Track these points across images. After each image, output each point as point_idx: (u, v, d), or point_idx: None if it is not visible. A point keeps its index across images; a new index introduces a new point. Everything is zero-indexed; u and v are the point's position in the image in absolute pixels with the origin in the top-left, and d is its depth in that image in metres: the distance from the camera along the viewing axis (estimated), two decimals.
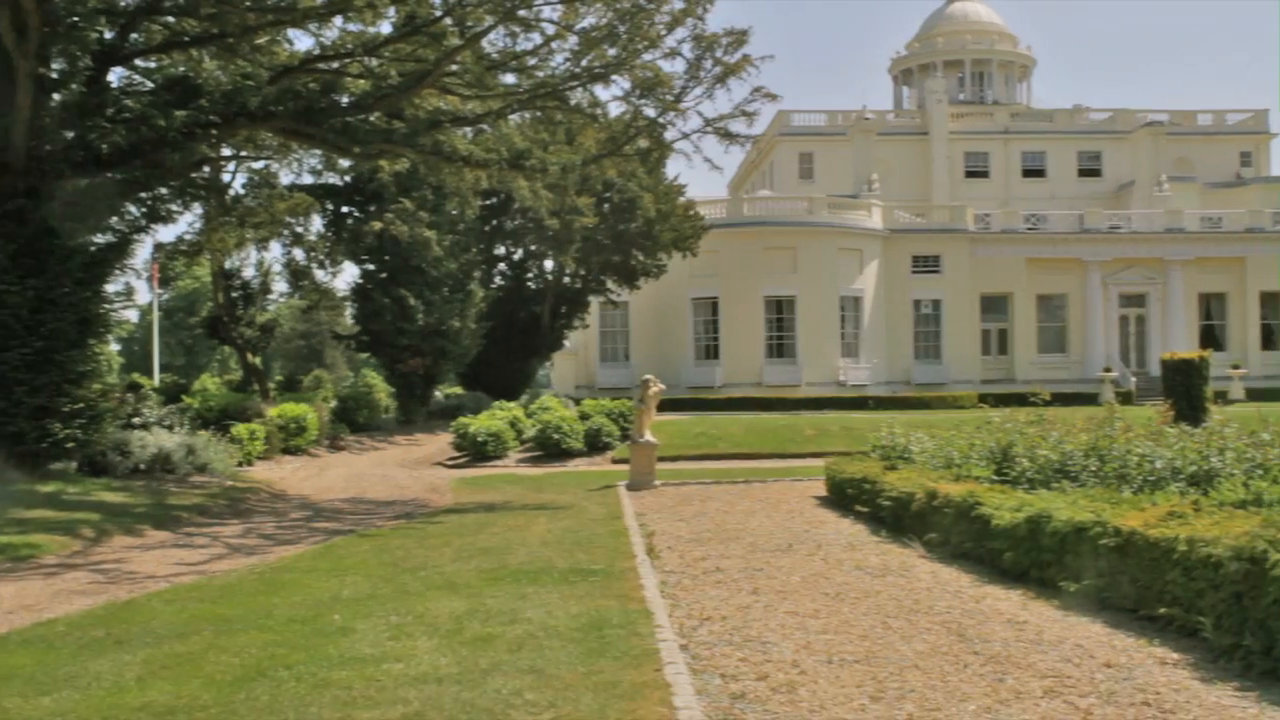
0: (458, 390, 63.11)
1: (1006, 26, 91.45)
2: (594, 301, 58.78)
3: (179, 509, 22.54)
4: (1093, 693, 8.37)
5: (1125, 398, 55.68)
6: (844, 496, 21.04)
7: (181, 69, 27.98)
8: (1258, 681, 8.56)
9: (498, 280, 56.72)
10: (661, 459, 29.50)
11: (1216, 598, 9.25)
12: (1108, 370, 60.52)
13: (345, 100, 26.71)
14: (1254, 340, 67.49)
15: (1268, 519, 9.56)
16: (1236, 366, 60.42)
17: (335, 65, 26.47)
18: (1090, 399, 51.12)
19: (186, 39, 26.16)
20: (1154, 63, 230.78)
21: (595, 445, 36.67)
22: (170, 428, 29.84)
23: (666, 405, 44.83)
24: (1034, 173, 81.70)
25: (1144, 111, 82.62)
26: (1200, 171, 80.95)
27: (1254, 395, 55.70)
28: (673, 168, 60.62)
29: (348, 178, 47.10)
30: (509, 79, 27.21)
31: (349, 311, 57.21)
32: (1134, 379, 62.04)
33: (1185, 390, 33.02)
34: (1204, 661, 9.18)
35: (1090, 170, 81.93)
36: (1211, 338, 66.94)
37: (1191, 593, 9.79)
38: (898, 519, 17.22)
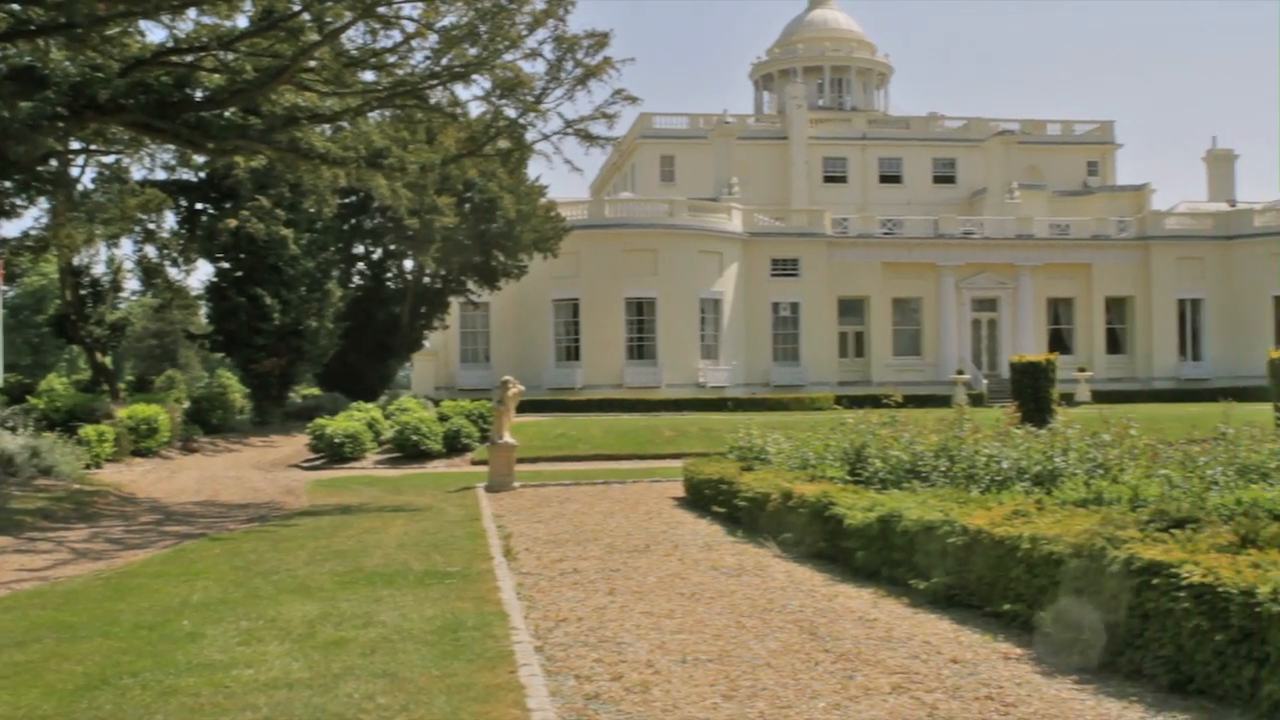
0: (315, 391, 62.24)
1: (865, 35, 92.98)
2: (454, 302, 58.41)
3: (21, 513, 21.83)
4: (939, 688, 8.54)
5: (977, 399, 56.96)
6: (702, 497, 21.19)
7: (27, 58, 27.12)
8: (1096, 675, 8.81)
9: (356, 280, 56.05)
10: (521, 460, 29.41)
11: (1058, 594, 9.51)
12: (960, 372, 61.86)
13: (199, 95, 26.14)
14: (1099, 344, 69.53)
15: (1106, 517, 9.86)
16: (1083, 369, 62.16)
17: (189, 59, 25.89)
18: (944, 400, 52.19)
19: (32, 27, 25.36)
20: (1007, 73, 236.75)
21: (454, 447, 36.42)
22: (14, 429, 28.90)
23: (527, 407, 44.72)
24: (891, 179, 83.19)
25: (996, 120, 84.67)
26: (1050, 179, 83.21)
27: (1099, 397, 57.38)
28: (534, 169, 60.78)
29: (202, 174, 46.18)
30: (368, 76, 26.89)
31: (203, 310, 56.05)
32: (985, 381, 63.51)
33: (1033, 392, 33.85)
34: (1046, 656, 9.42)
35: (945, 177, 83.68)
36: (1059, 341, 68.80)
37: (1034, 589, 10.05)
38: (754, 519, 17.40)
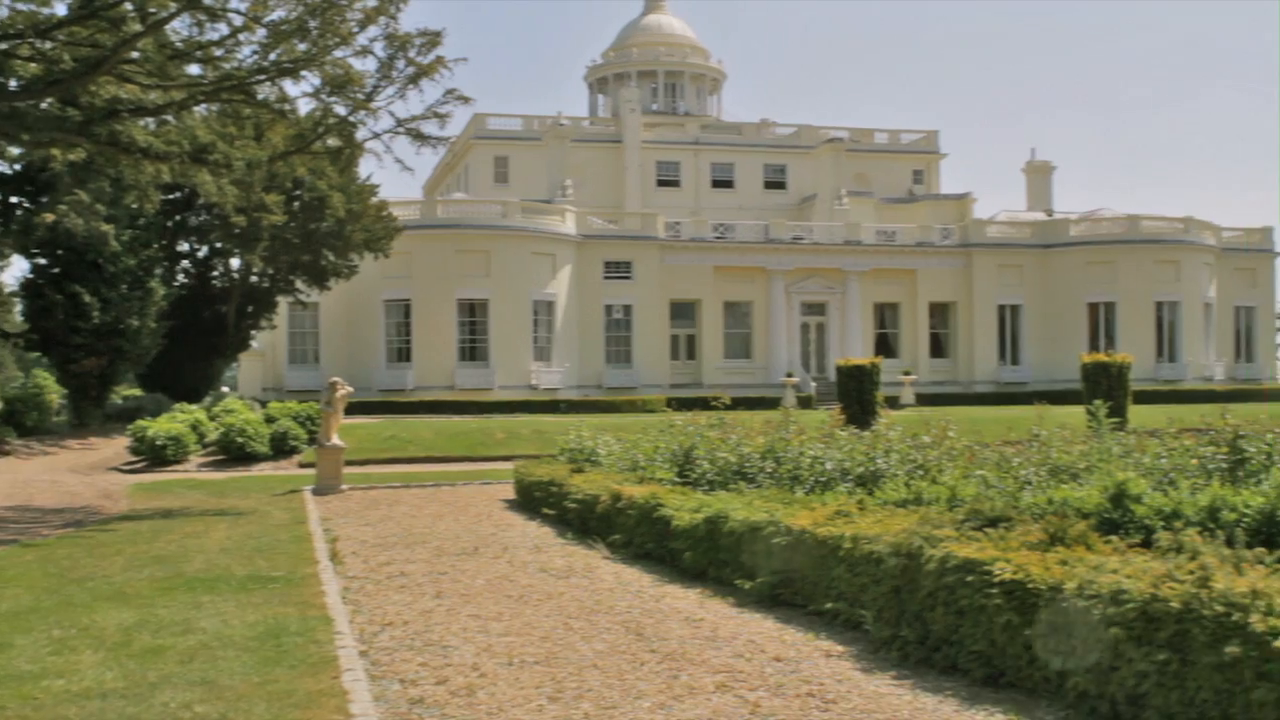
0: (137, 392, 60.47)
1: (699, 40, 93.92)
2: (283, 302, 57.28)
3: None
4: (762, 686, 8.67)
5: (806, 402, 57.90)
6: (532, 499, 21.17)
7: None
8: (913, 670, 9.04)
9: (181, 278, 54.59)
10: (350, 463, 29.04)
11: (878, 592, 9.74)
12: (790, 375, 62.80)
13: (14, 84, 25.21)
14: (924, 348, 71.26)
15: (924, 517, 10.11)
16: (908, 373, 63.62)
17: (3, 46, 24.96)
18: (774, 403, 52.90)
19: None
20: (837, 81, 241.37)
21: (282, 449, 35.78)
22: None
23: (357, 408, 44.15)
24: (723, 183, 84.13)
25: (826, 128, 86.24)
26: (877, 187, 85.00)
27: (924, 400, 58.79)
28: (365, 167, 59.69)
29: (17, 166, 44.50)
30: (193, 69, 26.23)
31: (18, 308, 54.03)
32: (814, 384, 64.60)
33: (858, 395, 34.60)
34: (866, 653, 9.64)
35: (776, 183, 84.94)
36: (886, 345, 70.28)
37: (855, 587, 10.27)
38: (584, 521, 17.44)
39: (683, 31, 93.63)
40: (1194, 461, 12.20)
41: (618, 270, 66.10)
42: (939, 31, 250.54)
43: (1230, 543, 8.13)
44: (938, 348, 72.31)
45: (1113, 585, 7.52)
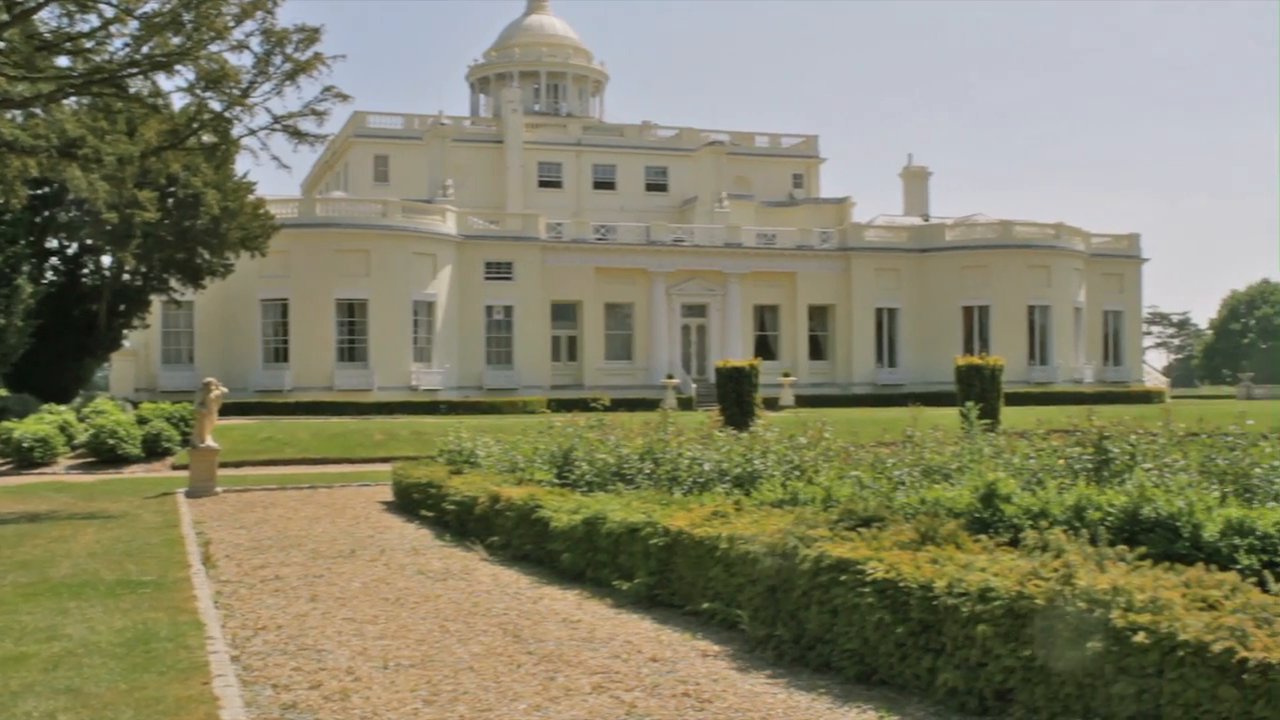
0: (3, 393, 58.82)
1: (581, 42, 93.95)
2: (156, 300, 56.12)
3: None
4: (638, 686, 8.70)
5: (687, 403, 58.24)
6: (410, 501, 21.01)
7: None
8: (788, 669, 9.14)
9: (50, 275, 53.18)
10: (225, 465, 28.54)
11: (754, 591, 9.82)
12: (670, 377, 63.08)
13: None
14: (803, 350, 72.03)
15: (800, 517, 10.22)
16: (787, 375, 64.26)
17: None
18: (655, 404, 53.04)
19: None
20: (719, 85, 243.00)
21: (155, 451, 35.03)
22: None
23: (233, 409, 43.43)
24: (605, 185, 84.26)
25: (708, 131, 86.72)
26: (757, 190, 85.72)
27: (803, 401, 59.47)
28: (242, 165, 58.49)
29: None
30: (63, 61, 25.61)
31: None
32: (695, 385, 64.95)
33: (736, 396, 34.84)
34: (742, 652, 9.72)
35: (657, 185, 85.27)
36: (765, 347, 70.90)
37: (732, 588, 10.35)
38: (462, 523, 17.36)
39: (565, 32, 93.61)
40: (1061, 462, 12.48)
41: (499, 271, 65.86)
42: (819, 36, 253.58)
43: (1094, 541, 8.35)
44: (817, 350, 73.14)
45: (981, 583, 7.68)
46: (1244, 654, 5.96)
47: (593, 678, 8.95)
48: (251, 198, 52.38)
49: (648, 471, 15.58)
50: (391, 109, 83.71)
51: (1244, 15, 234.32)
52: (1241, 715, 5.97)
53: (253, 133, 26.85)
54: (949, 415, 29.76)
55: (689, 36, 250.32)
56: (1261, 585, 7.04)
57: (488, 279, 65.54)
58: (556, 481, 16.74)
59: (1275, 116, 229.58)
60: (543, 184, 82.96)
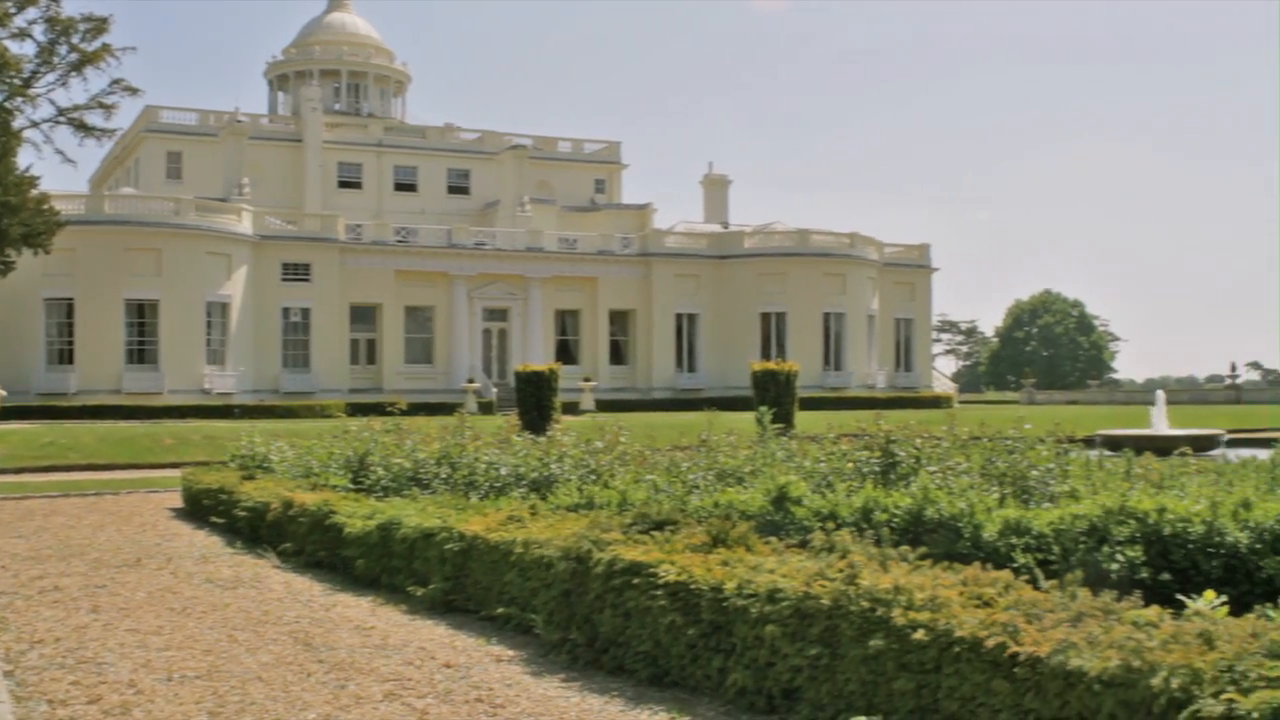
0: None
1: (384, 41, 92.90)
2: None
3: None
4: (431, 693, 8.62)
5: (488, 407, 57.95)
6: (201, 508, 20.46)
7: None
8: (582, 672, 9.16)
9: None
10: (2, 471, 27.37)
11: (548, 596, 9.82)
12: (471, 381, 62.73)
13: None
14: (604, 355, 72.38)
15: (594, 520, 10.26)
16: (588, 379, 64.48)
17: None
18: (456, 409, 52.67)
19: None
20: (523, 89, 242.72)
21: None
22: None
23: (13, 413, 41.68)
24: (406, 187, 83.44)
25: (511, 135, 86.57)
26: (560, 195, 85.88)
27: (603, 406, 59.70)
28: (24, 158, 56.42)
29: None
30: None
31: None
32: (496, 390, 64.70)
33: (536, 401, 34.87)
34: (536, 656, 9.71)
35: (459, 188, 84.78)
36: (567, 352, 71.06)
37: (527, 592, 10.34)
38: (254, 530, 16.97)
39: (367, 32, 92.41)
40: (850, 465, 12.81)
41: (296, 272, 64.62)
42: (624, 44, 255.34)
43: (878, 541, 8.59)
44: (618, 355, 73.58)
45: (769, 584, 7.82)
46: (1015, 648, 6.19)
47: (385, 685, 8.84)
48: (35, 193, 50.26)
49: (444, 476, 15.47)
50: (186, 104, 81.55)
51: (1030, 37, 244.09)
52: (1013, 707, 6.20)
53: (36, 125, 25.91)
54: (746, 419, 30.16)
55: (494, 39, 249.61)
56: (1033, 583, 7.33)
57: (285, 280, 64.24)
58: (352, 487, 16.51)
59: (1058, 132, 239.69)
60: (343, 185, 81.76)
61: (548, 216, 79.95)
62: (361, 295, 66.74)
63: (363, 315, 67.49)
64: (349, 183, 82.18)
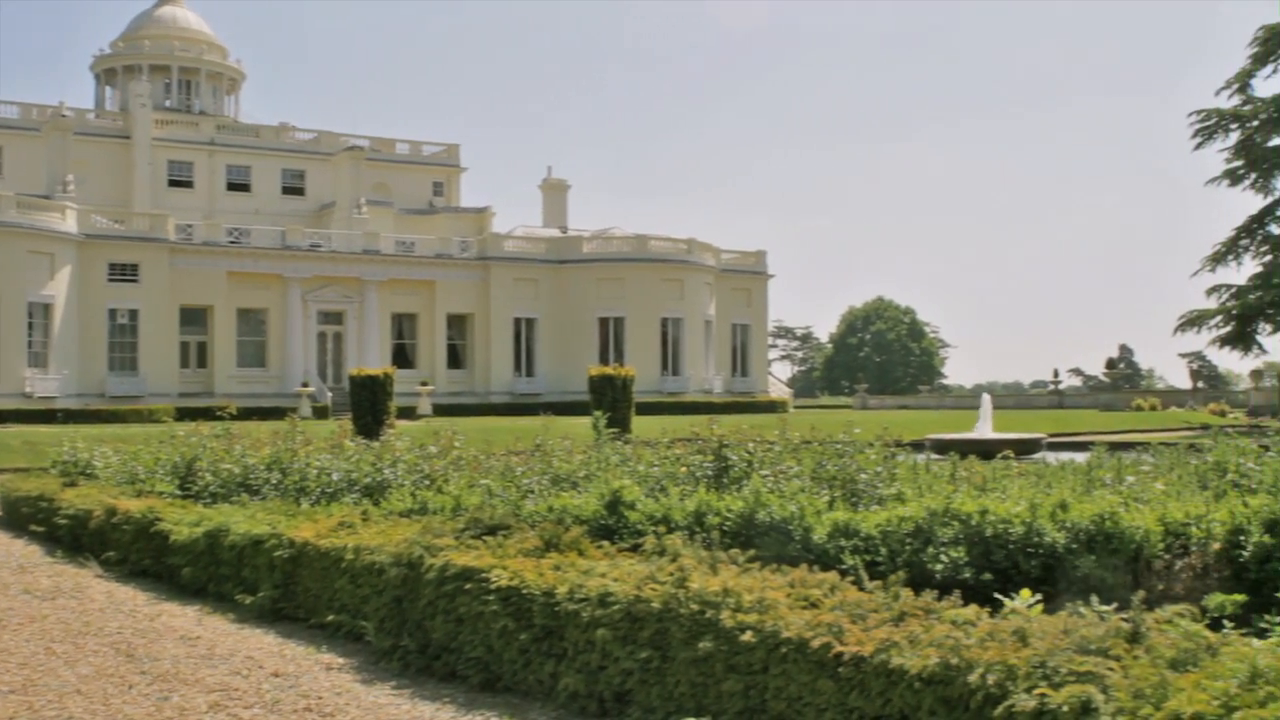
0: None
1: (216, 37, 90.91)
2: None
3: None
4: (258, 703, 8.47)
5: (323, 412, 57.11)
6: (20, 516, 19.82)
7: None
8: (414, 679, 9.08)
9: None
10: None
11: (380, 602, 9.72)
12: (306, 385, 61.75)
13: None
14: (441, 359, 71.82)
15: (427, 526, 10.19)
16: (425, 383, 63.96)
17: None
18: (289, 413, 51.83)
19: None
20: (360, 89, 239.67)
21: None
22: None
23: None
24: (239, 187, 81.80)
25: (348, 135, 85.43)
26: (397, 197, 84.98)
27: (441, 410, 59.24)
28: None
29: None
30: None
31: None
32: (331, 394, 63.78)
33: (371, 405, 34.48)
34: (367, 664, 9.60)
35: (294, 188, 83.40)
36: (404, 356, 70.35)
37: (358, 599, 10.22)
38: (76, 538, 16.47)
39: (199, 27, 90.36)
40: (683, 469, 12.91)
41: (124, 273, 62.85)
42: (464, 46, 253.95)
43: (708, 545, 8.68)
44: (455, 359, 73.09)
45: (601, 588, 7.85)
46: (840, 648, 6.32)
47: (210, 696, 8.66)
48: None
49: (274, 482, 15.20)
50: (7, 97, 78.80)
51: (860, 48, 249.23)
52: (838, 705, 6.33)
53: None
54: (583, 424, 30.16)
55: (332, 39, 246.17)
56: (858, 584, 7.48)
57: (112, 281, 62.41)
58: (179, 493, 16.14)
59: (893, 139, 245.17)
60: (173, 183, 79.82)
61: (385, 219, 79.05)
62: (192, 297, 65.18)
63: (193, 317, 65.91)
64: (180, 182, 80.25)
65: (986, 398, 39.98)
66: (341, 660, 9.78)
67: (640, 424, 35.38)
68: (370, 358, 66.22)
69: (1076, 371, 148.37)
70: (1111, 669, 5.38)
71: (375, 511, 12.08)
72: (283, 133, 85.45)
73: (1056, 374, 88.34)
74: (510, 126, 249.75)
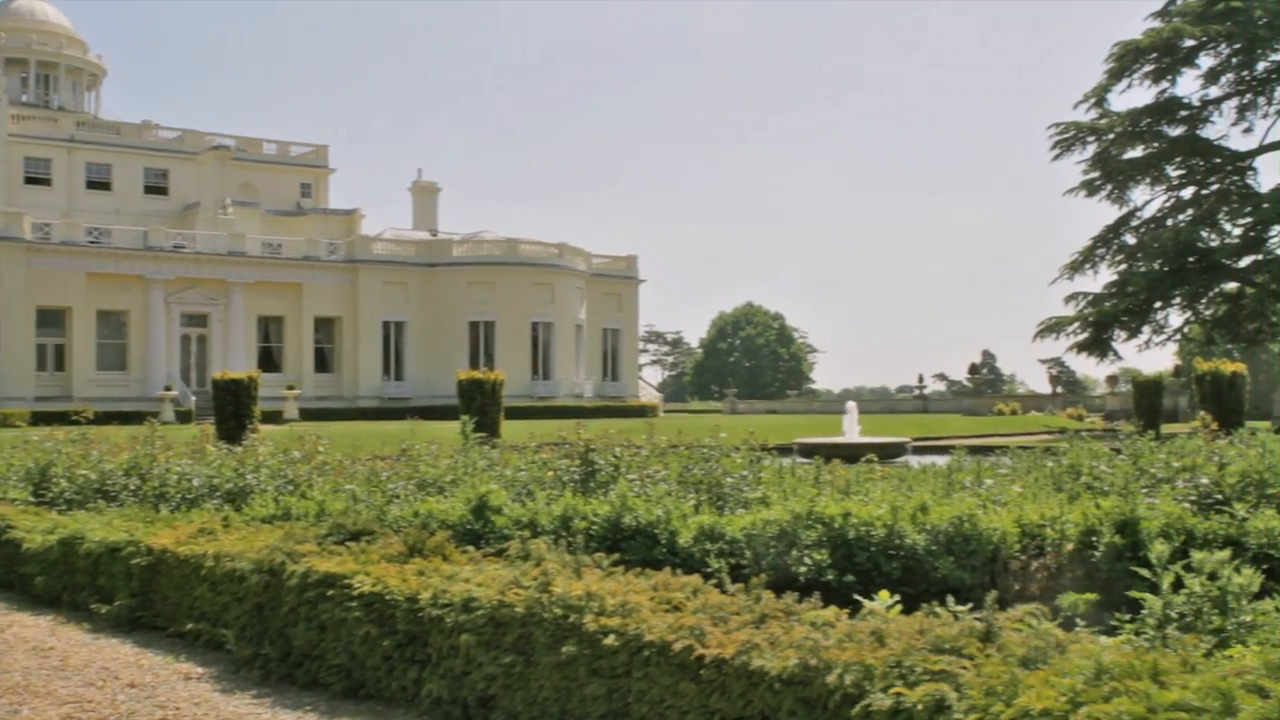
0: None
1: (76, 32, 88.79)
2: None
3: None
4: (113, 714, 8.28)
5: (186, 416, 56.09)
6: None
7: None
8: (275, 688, 8.94)
9: None
10: None
11: (241, 610, 9.57)
12: (169, 389, 60.50)
13: None
14: (309, 363, 70.88)
15: (289, 532, 10.05)
16: (292, 387, 63.08)
17: None
18: (151, 417, 50.74)
19: None
20: (226, 88, 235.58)
21: None
22: None
23: None
24: (100, 185, 79.84)
25: (213, 134, 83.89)
26: (264, 198, 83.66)
27: (308, 415, 58.45)
28: None
29: None
30: None
31: None
32: (195, 398, 62.59)
33: (235, 410, 33.88)
34: (227, 673, 9.43)
35: (157, 188, 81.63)
36: (270, 359, 69.32)
37: (218, 607, 10.04)
38: None
39: (59, 20, 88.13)
40: (551, 474, 12.90)
41: None
42: (333, 47, 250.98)
43: (571, 549, 8.69)
44: (323, 363, 72.21)
45: (464, 594, 7.82)
46: (701, 651, 6.36)
47: (62, 709, 8.44)
48: None
49: (133, 488, 14.87)
50: None
51: (729, 52, 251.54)
52: (700, 708, 6.37)
53: None
54: (451, 429, 29.91)
55: (198, 37, 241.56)
56: (720, 586, 7.54)
57: None
58: (33, 500, 15.68)
59: (761, 147, 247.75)
60: (30, 181, 77.59)
61: (251, 220, 77.77)
62: (50, 298, 63.47)
63: (51, 319, 64.17)
64: (37, 179, 78.05)
65: (852, 403, 40.63)
66: (201, 669, 9.60)
67: (510, 428, 35.27)
68: (236, 361, 65.08)
69: (941, 377, 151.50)
70: (965, 667, 5.50)
71: (237, 518, 11.88)
72: (146, 131, 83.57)
73: (921, 379, 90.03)
74: (381, 128, 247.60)
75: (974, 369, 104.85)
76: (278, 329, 71.35)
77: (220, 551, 10.16)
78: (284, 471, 14.34)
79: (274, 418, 50.64)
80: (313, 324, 71.24)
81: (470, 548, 9.52)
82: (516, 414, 48.26)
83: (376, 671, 8.36)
